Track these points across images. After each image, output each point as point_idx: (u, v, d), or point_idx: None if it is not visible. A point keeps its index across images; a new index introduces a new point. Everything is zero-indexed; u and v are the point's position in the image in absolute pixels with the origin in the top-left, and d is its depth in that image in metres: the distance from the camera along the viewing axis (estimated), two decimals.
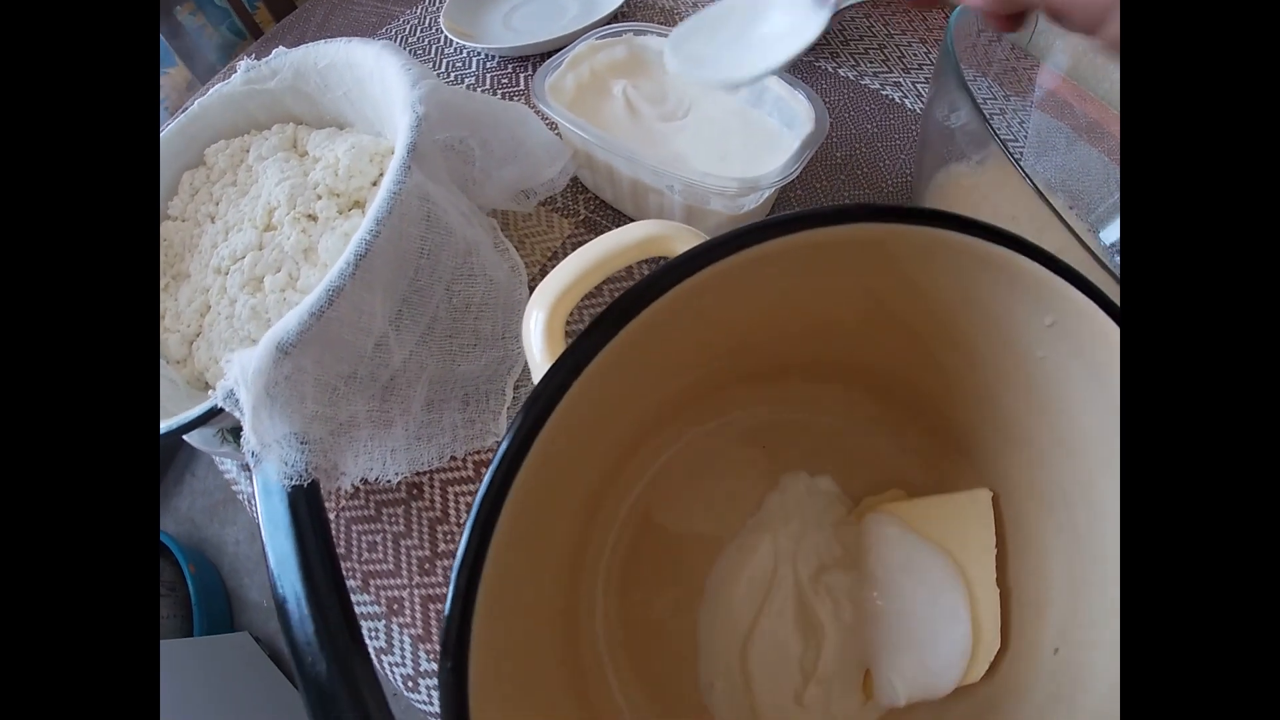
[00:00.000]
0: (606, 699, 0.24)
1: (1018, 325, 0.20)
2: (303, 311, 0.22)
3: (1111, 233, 0.37)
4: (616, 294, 0.19)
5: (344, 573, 0.31)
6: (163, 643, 0.76)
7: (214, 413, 0.23)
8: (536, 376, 0.20)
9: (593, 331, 0.16)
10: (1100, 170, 0.39)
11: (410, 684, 0.28)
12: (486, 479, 0.13)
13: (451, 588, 0.13)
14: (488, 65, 0.46)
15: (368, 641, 0.29)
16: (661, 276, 0.16)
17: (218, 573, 0.90)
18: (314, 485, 0.22)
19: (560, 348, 0.20)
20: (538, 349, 0.20)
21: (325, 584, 0.21)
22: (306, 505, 0.21)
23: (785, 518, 0.26)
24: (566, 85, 0.35)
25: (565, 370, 0.15)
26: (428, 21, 0.51)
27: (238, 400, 0.22)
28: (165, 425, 0.24)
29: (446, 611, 0.13)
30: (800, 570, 0.25)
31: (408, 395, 0.26)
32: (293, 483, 0.21)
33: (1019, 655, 0.24)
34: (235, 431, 0.32)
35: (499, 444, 0.14)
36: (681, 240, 0.19)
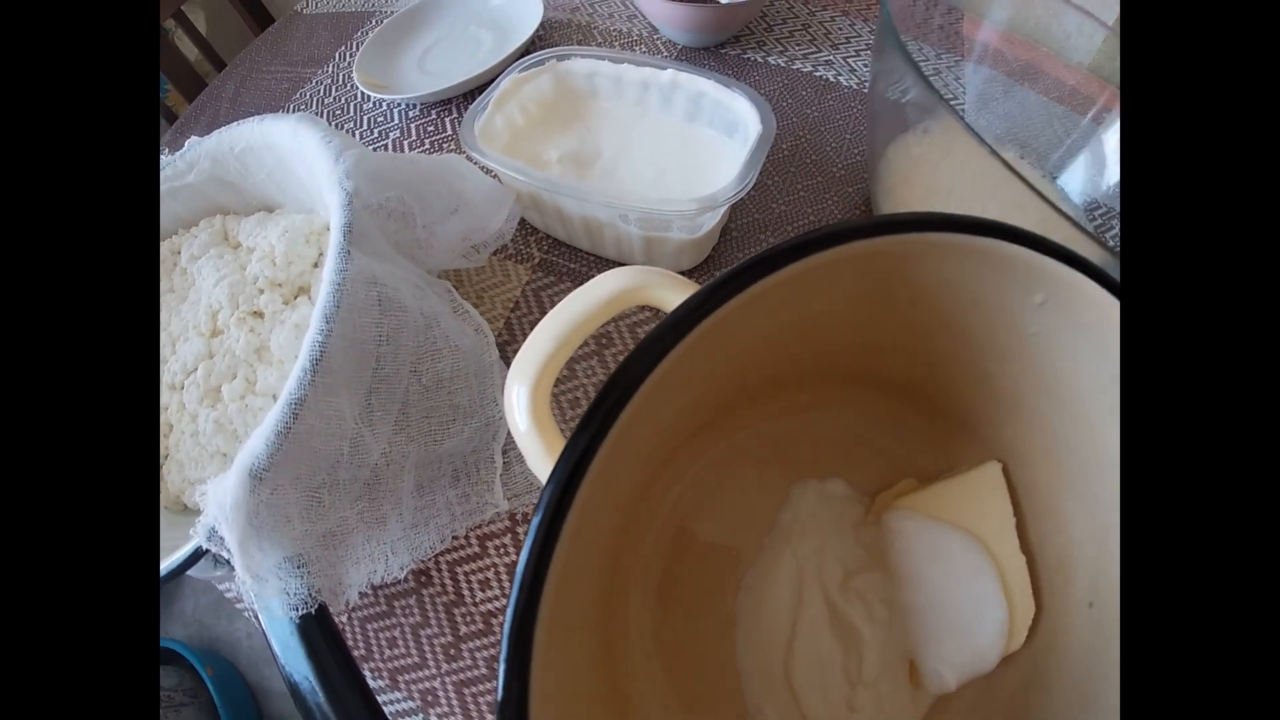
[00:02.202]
0: None
1: (1010, 308, 0.20)
2: (268, 431, 0.21)
3: (1071, 178, 0.37)
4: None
5: (370, 673, 0.30)
6: None
7: (201, 553, 0.22)
8: (527, 454, 0.19)
9: (589, 423, 0.15)
10: (1041, 112, 0.39)
11: None
12: (525, 552, 0.13)
13: (505, 651, 0.12)
14: (410, 115, 0.44)
15: None
16: (657, 341, 0.16)
17: (235, 669, 0.87)
18: (322, 609, 0.20)
19: (549, 421, 0.19)
20: (524, 426, 0.19)
21: (354, 702, 0.20)
22: (319, 630, 0.20)
23: (802, 531, 0.25)
24: (497, 127, 0.34)
25: (570, 466, 0.14)
26: (341, 79, 0.49)
27: (222, 539, 0.20)
28: None
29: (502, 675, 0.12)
30: (827, 580, 0.25)
31: (396, 488, 0.25)
32: (299, 612, 0.20)
33: (1055, 616, 0.24)
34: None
35: (504, 515, 0.13)
36: (660, 288, 0.18)
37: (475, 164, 0.32)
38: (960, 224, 0.17)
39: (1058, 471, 0.23)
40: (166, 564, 0.23)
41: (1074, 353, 0.20)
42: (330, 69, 0.50)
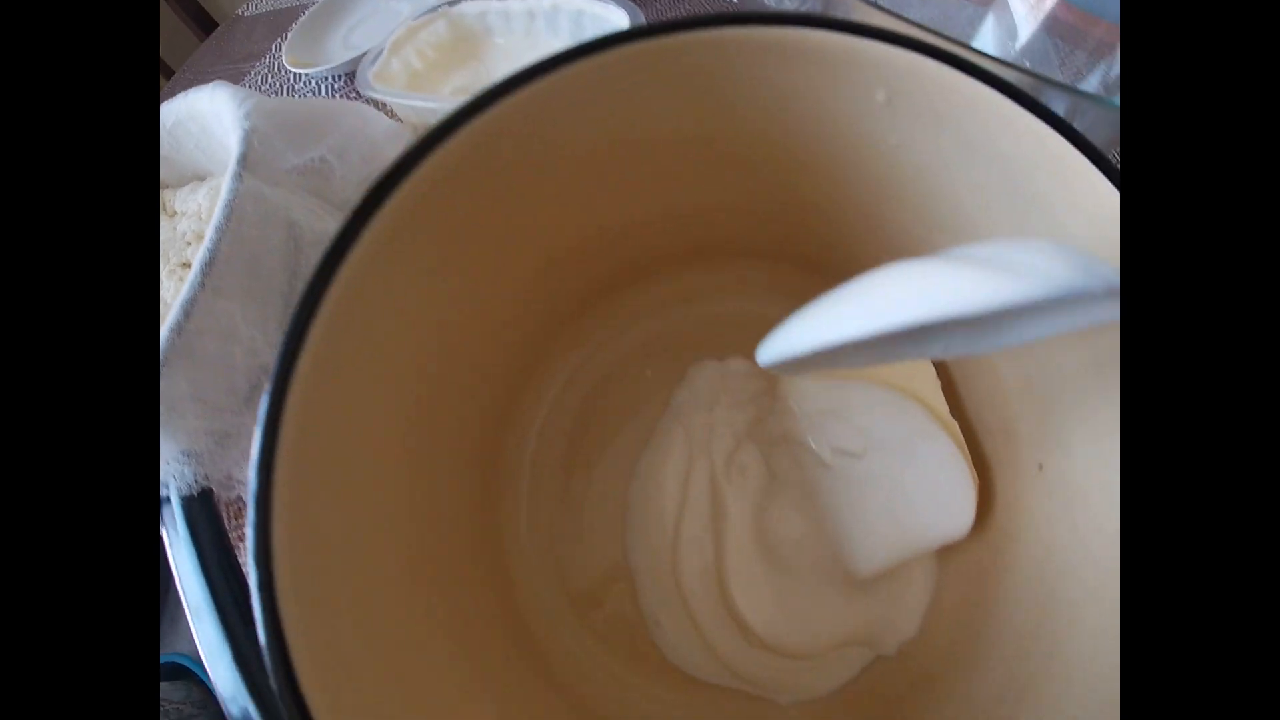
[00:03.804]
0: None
1: (858, 116, 0.17)
2: (163, 329, 0.23)
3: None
4: None
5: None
6: None
7: None
8: None
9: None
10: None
11: None
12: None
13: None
14: (335, 87, 0.46)
15: None
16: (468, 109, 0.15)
17: None
18: (206, 493, 0.22)
19: None
20: None
21: (224, 589, 0.21)
22: (201, 511, 0.22)
23: (696, 406, 0.24)
24: (394, 71, 0.35)
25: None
26: (276, 67, 0.51)
27: None
28: None
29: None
30: (715, 454, 0.23)
31: None
32: (183, 494, 0.21)
33: (1006, 485, 0.21)
34: None
35: None
36: None
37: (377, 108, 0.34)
38: (762, 18, 0.16)
39: None
40: None
41: (944, 159, 0.17)
42: (266, 60, 0.53)
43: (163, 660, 0.98)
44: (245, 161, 0.27)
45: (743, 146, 0.20)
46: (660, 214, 0.23)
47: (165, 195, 0.39)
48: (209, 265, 0.23)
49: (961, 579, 0.22)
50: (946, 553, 0.22)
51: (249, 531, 0.13)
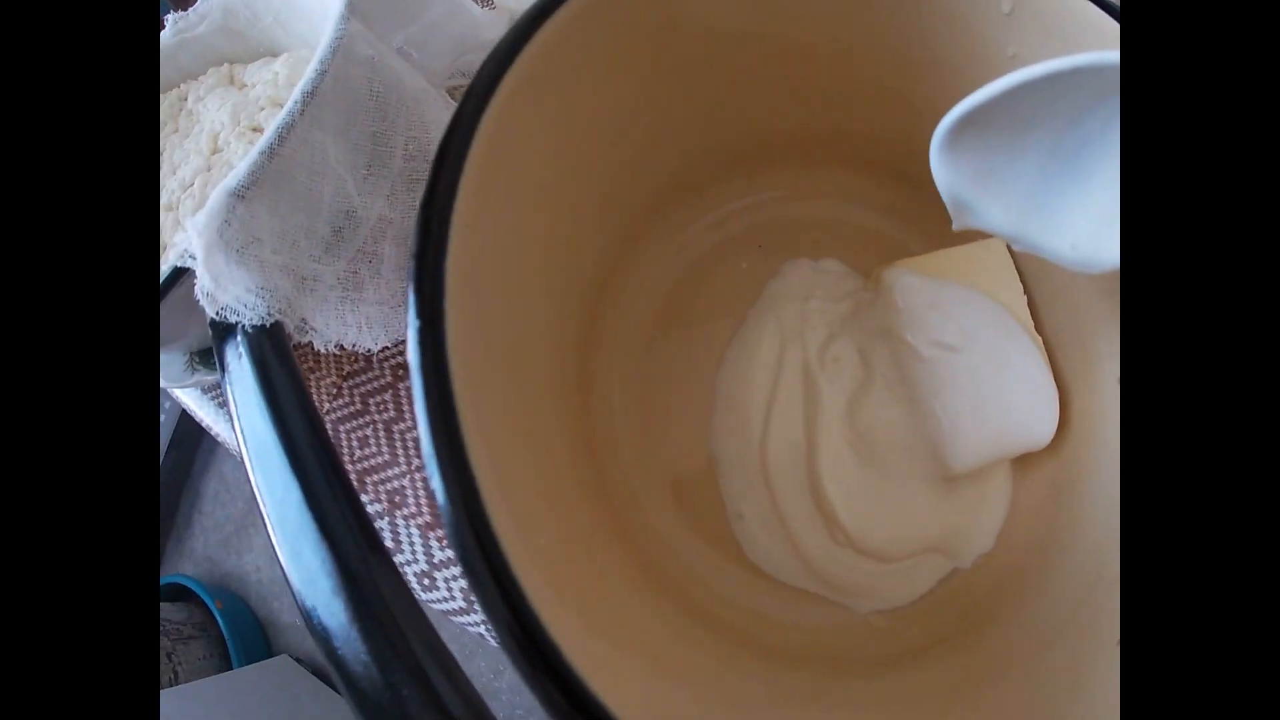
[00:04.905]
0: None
1: (980, 20, 0.18)
2: (253, 153, 0.21)
3: None
4: None
5: None
6: (205, 680, 0.75)
7: (171, 282, 0.22)
8: None
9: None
10: None
11: (426, 581, 0.27)
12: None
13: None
14: None
15: None
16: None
17: (245, 603, 0.88)
18: (277, 327, 0.20)
19: None
20: None
21: (309, 452, 0.18)
22: (273, 349, 0.19)
23: (790, 297, 0.24)
24: None
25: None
26: None
27: (192, 254, 0.20)
28: None
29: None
30: (809, 344, 0.23)
31: (376, 254, 0.25)
32: (253, 324, 0.19)
33: (1082, 400, 0.22)
34: (204, 354, 0.31)
35: None
36: None
37: None
38: None
39: None
40: None
41: None
42: None
43: (165, 581, 0.96)
44: (352, 6, 0.25)
45: (860, 36, 0.20)
46: (767, 102, 0.23)
47: (234, 69, 0.37)
48: (310, 95, 0.22)
49: (1036, 493, 0.23)
50: (1022, 466, 0.23)
51: (412, 334, 0.11)
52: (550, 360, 0.19)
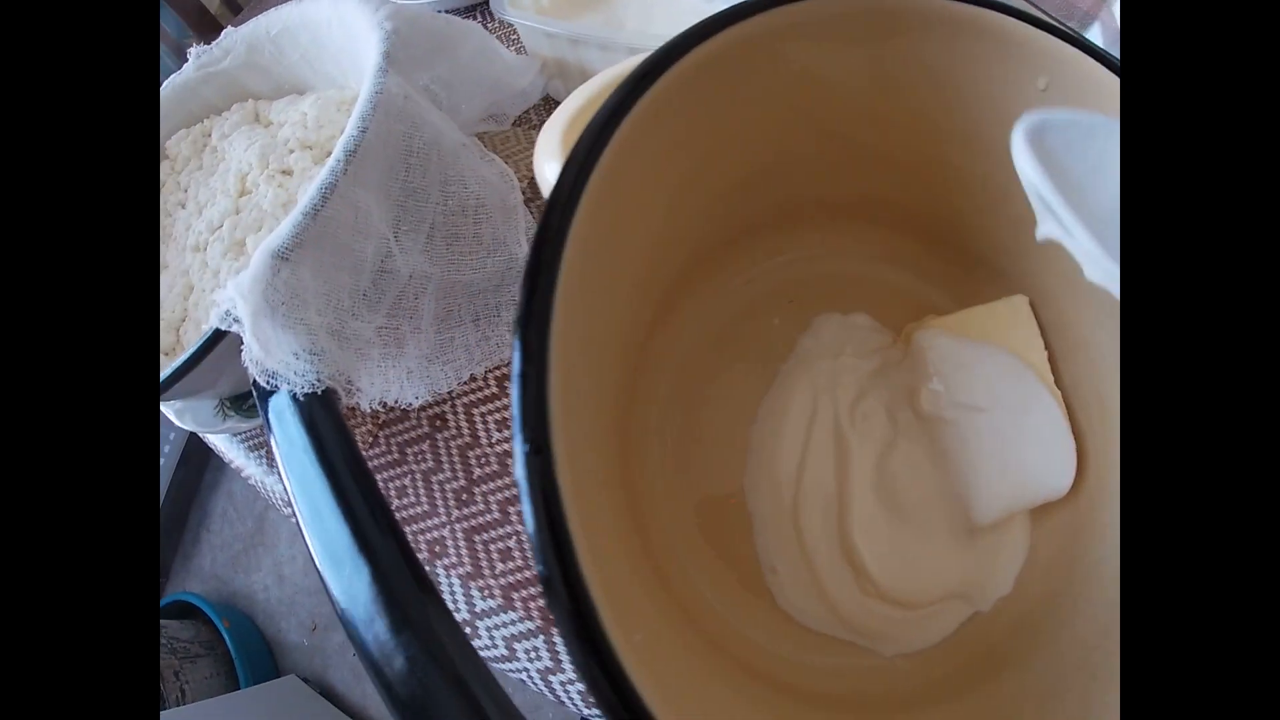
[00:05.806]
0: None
1: (1011, 97, 0.19)
2: (296, 214, 0.21)
3: None
4: None
5: None
6: (213, 700, 0.74)
7: (211, 344, 0.22)
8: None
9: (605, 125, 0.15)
10: None
11: (469, 630, 0.27)
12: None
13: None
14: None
15: None
16: (662, 57, 0.15)
17: (252, 622, 0.87)
18: (329, 394, 0.20)
19: None
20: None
21: (360, 499, 0.19)
22: (326, 415, 0.19)
23: (821, 353, 0.24)
24: (524, 3, 0.33)
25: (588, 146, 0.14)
26: None
27: (236, 318, 0.20)
28: (163, 372, 0.22)
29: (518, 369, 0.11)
30: (840, 401, 0.23)
31: (416, 309, 0.25)
32: (305, 391, 0.19)
33: (1097, 449, 0.23)
34: (236, 400, 0.30)
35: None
36: None
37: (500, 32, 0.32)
38: None
39: (1085, 306, 0.22)
40: (169, 367, 0.23)
41: None
42: None
43: (172, 598, 0.95)
44: (389, 58, 0.25)
45: (905, 108, 0.20)
46: (804, 169, 0.23)
47: (259, 106, 0.37)
48: (353, 153, 0.22)
49: (1054, 537, 0.23)
50: (1040, 514, 0.23)
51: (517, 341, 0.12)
52: (605, 431, 0.19)
